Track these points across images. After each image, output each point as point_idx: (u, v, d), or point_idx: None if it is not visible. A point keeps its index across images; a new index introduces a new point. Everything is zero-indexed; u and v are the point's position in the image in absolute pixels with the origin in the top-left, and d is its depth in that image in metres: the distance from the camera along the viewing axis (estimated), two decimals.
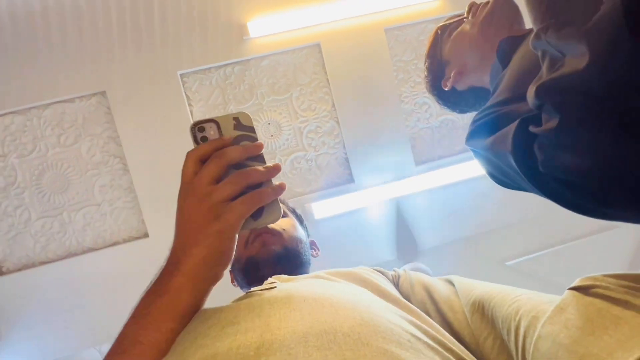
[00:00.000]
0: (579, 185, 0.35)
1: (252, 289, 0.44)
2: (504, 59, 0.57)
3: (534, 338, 0.32)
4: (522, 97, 0.39)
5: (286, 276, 0.52)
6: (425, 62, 0.79)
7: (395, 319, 0.35)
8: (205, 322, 0.38)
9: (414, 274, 0.56)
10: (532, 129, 0.37)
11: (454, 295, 0.46)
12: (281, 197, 0.82)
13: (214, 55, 1.27)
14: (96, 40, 1.22)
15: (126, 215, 1.29)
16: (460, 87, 0.74)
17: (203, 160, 0.41)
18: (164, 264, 0.42)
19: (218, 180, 0.40)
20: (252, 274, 0.60)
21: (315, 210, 1.29)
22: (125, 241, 1.28)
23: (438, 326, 0.39)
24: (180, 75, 1.28)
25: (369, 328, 0.31)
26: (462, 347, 0.36)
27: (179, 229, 0.41)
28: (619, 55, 0.28)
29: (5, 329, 1.21)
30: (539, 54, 0.36)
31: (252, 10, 1.27)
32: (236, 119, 0.42)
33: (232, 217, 0.38)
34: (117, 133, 1.26)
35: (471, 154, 0.55)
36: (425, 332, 0.35)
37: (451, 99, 0.79)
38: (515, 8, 0.64)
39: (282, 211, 0.41)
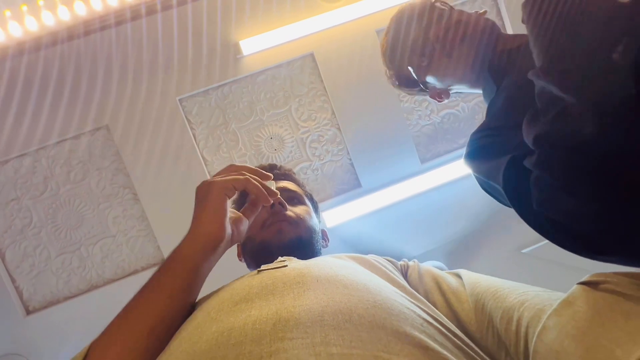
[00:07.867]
0: (571, 229, 0.34)
1: (263, 266, 0.44)
2: (498, 77, 0.55)
3: (538, 329, 0.32)
4: (515, 126, 0.39)
5: (296, 259, 0.53)
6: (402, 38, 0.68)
7: (406, 303, 0.36)
8: (217, 297, 0.38)
9: (423, 265, 0.56)
10: (526, 162, 0.36)
11: (461, 287, 0.47)
12: (301, 182, 0.84)
13: (210, 76, 1.28)
14: (95, 76, 1.24)
15: (142, 244, 1.31)
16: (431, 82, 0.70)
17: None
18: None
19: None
20: (263, 257, 0.60)
21: (326, 219, 1.30)
22: (143, 269, 1.30)
23: (444, 317, 0.40)
24: (179, 100, 1.29)
25: (383, 310, 0.31)
26: (466, 339, 0.37)
27: None
28: (625, 125, 0.28)
29: None
30: (537, 89, 0.35)
31: (243, 28, 1.27)
32: None
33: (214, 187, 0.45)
34: (123, 164, 1.27)
35: None
36: (435, 319, 0.35)
37: (413, 86, 0.72)
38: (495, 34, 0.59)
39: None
